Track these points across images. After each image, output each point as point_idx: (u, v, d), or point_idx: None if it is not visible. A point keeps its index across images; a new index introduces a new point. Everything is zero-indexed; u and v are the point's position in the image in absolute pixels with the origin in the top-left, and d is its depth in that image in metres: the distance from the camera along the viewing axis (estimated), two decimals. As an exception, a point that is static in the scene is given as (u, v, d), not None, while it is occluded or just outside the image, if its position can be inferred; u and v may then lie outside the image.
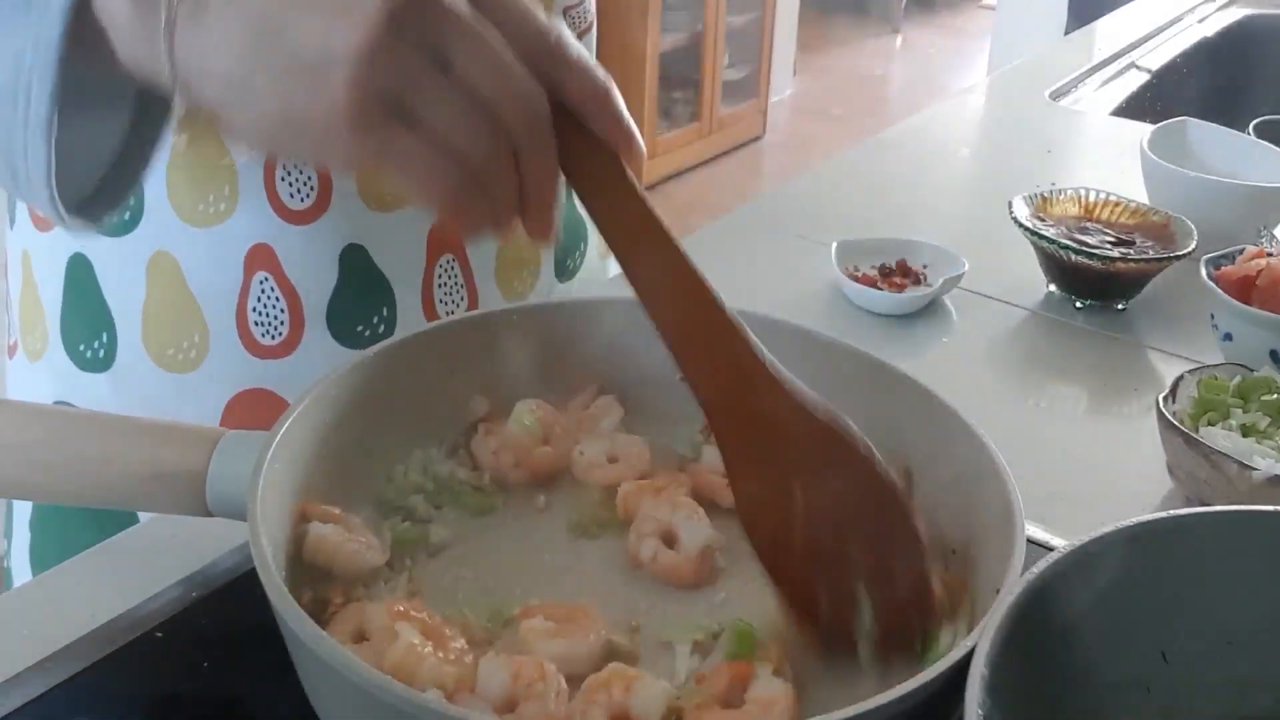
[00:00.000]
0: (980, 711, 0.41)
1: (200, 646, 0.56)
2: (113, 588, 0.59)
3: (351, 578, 0.55)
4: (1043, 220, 0.96)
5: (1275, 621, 0.50)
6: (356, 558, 0.55)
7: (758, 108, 4.46)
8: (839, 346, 0.65)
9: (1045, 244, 0.93)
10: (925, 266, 0.97)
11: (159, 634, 0.57)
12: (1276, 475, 0.63)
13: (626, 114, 0.49)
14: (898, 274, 0.96)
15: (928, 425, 0.61)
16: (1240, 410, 0.70)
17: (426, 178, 0.46)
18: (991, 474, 0.56)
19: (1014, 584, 0.47)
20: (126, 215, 0.75)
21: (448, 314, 0.81)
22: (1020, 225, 0.95)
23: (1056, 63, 1.63)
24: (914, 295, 0.93)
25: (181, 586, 0.59)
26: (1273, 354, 0.79)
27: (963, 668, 0.43)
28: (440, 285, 0.81)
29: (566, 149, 0.49)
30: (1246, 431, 0.68)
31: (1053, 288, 0.97)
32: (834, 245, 0.96)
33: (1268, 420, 0.69)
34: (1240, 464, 0.64)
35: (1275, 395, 0.70)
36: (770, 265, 1.02)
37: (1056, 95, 1.50)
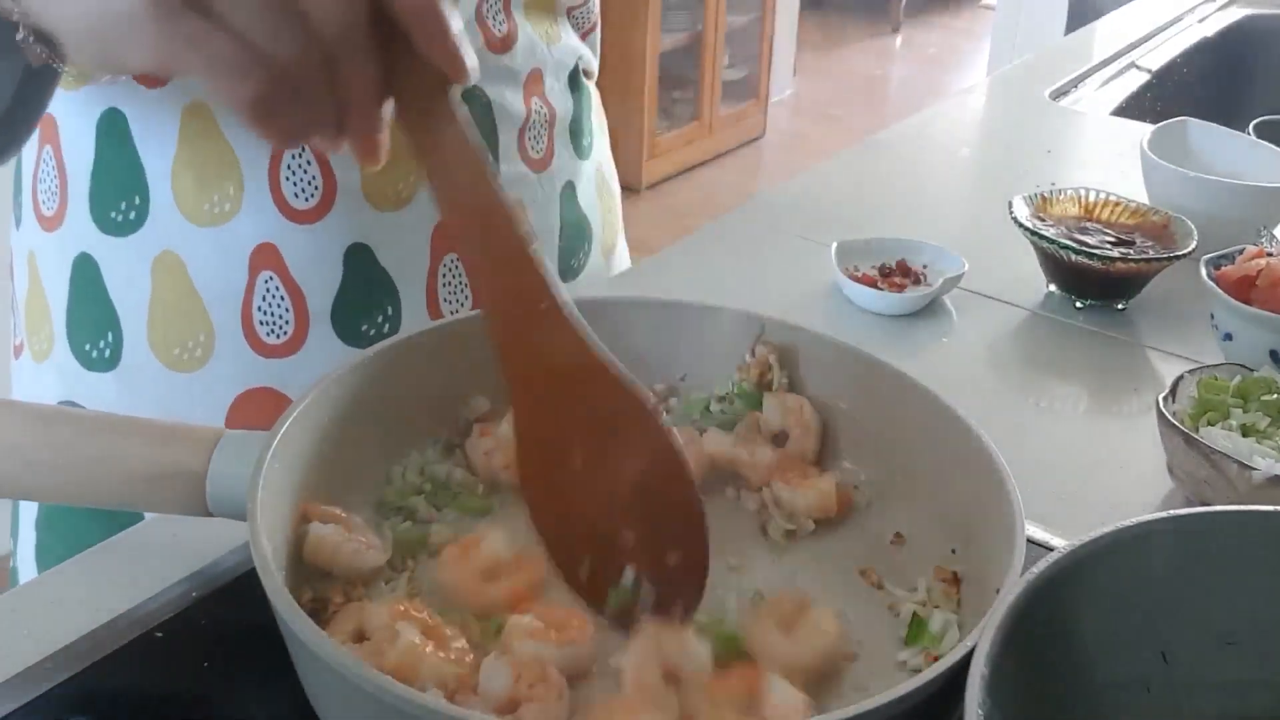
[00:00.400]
0: (980, 711, 0.41)
1: (200, 646, 0.56)
2: (113, 587, 0.59)
3: (352, 578, 0.55)
4: (1043, 220, 0.96)
5: (1275, 621, 0.50)
6: (357, 558, 0.55)
7: (758, 108, 4.46)
8: (839, 346, 0.65)
9: (1045, 244, 0.93)
10: (925, 266, 0.97)
11: (159, 634, 0.57)
12: (1276, 475, 0.63)
13: (453, 32, 0.47)
14: (898, 274, 0.96)
15: (928, 425, 0.61)
16: (1240, 410, 0.70)
17: (228, 78, 0.45)
18: (991, 474, 0.56)
19: (1014, 584, 0.47)
20: (132, 215, 0.75)
21: (452, 313, 0.81)
22: (1020, 225, 0.95)
23: (1056, 63, 1.63)
24: (914, 295, 0.93)
25: (181, 586, 0.59)
26: (1273, 354, 0.79)
27: (963, 668, 0.44)
28: (445, 284, 0.81)
29: (389, 67, 0.47)
30: (1246, 431, 0.68)
31: (1053, 288, 0.97)
32: (834, 246, 0.96)
33: (1268, 420, 0.69)
34: (1240, 464, 0.64)
35: (1275, 395, 0.70)
36: (770, 265, 1.02)
37: (1056, 95, 1.50)
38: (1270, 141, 1.12)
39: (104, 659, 0.55)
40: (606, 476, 0.53)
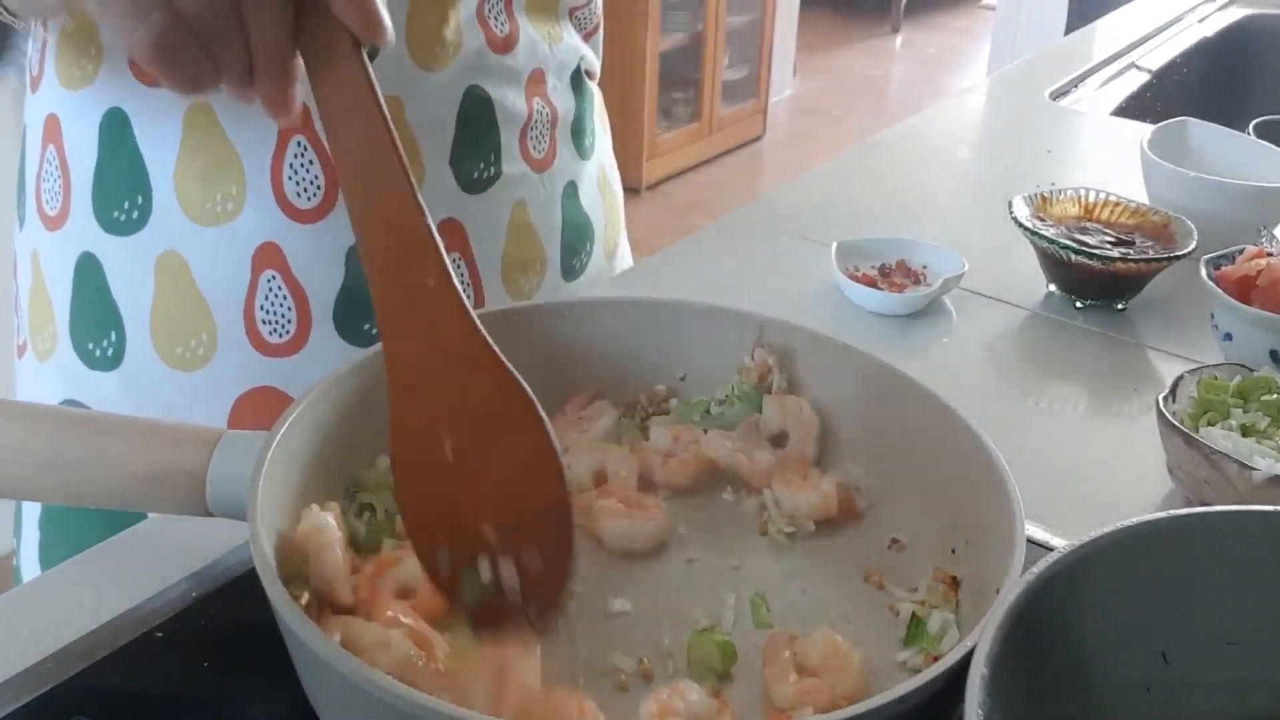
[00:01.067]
0: (980, 711, 0.41)
1: (200, 646, 0.56)
2: (113, 588, 0.59)
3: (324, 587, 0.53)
4: (1043, 220, 0.96)
5: (1275, 621, 0.50)
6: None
7: (758, 108, 4.46)
8: (839, 346, 0.65)
9: (1045, 244, 0.93)
10: (925, 266, 0.97)
11: (159, 634, 0.57)
12: (1276, 475, 0.63)
13: None
14: (897, 274, 0.96)
15: (928, 425, 0.61)
16: (1240, 410, 0.70)
17: (126, 18, 0.44)
18: (991, 474, 0.56)
19: (1014, 584, 0.47)
20: (135, 214, 0.75)
21: None
22: (1020, 225, 0.95)
23: (1056, 63, 1.63)
24: (914, 295, 0.93)
25: (181, 586, 0.59)
26: (1273, 354, 0.79)
27: (963, 667, 0.43)
28: None
29: (300, 22, 0.47)
30: (1246, 431, 0.68)
31: (1053, 288, 0.97)
32: (834, 246, 0.96)
33: (1268, 420, 0.69)
34: (1240, 464, 0.64)
35: (1275, 395, 0.70)
36: (770, 265, 1.02)
37: (1056, 95, 1.50)
38: (1270, 141, 1.12)
39: (104, 659, 0.55)
40: (476, 467, 0.52)
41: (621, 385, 0.68)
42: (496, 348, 0.52)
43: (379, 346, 0.61)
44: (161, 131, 0.74)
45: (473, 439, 0.52)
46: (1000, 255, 1.01)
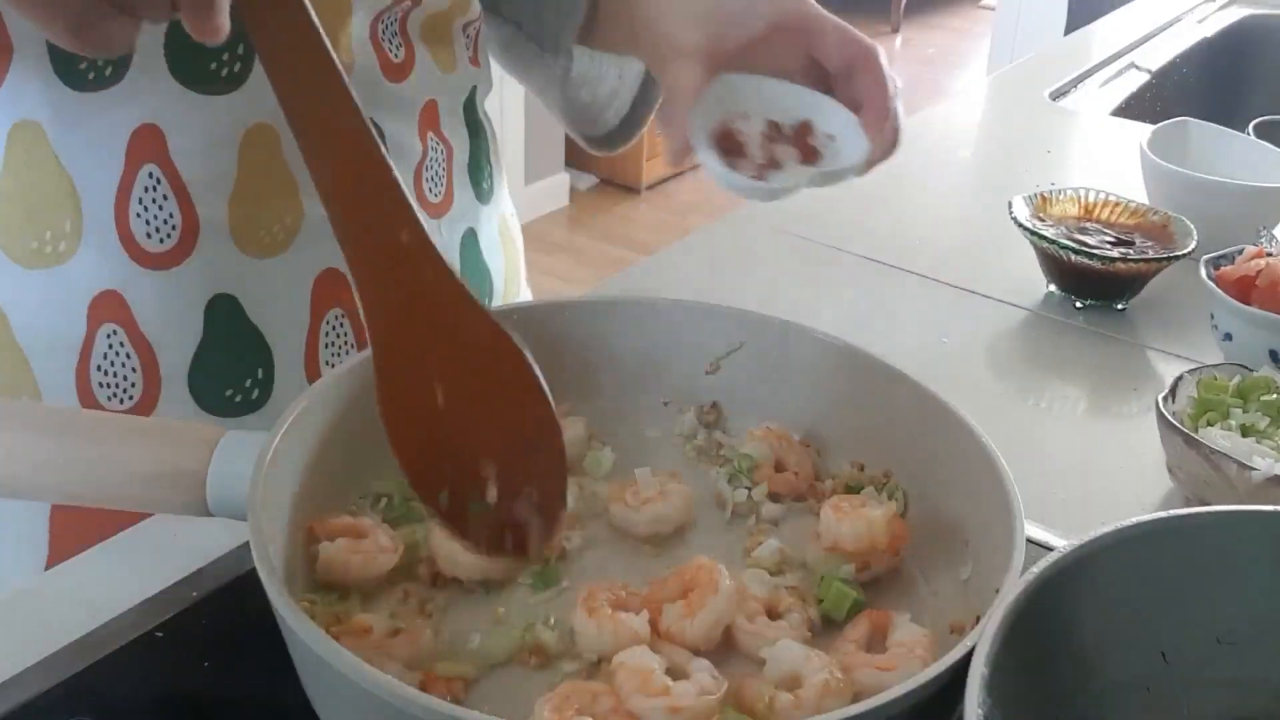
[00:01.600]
0: (980, 711, 0.41)
1: (200, 646, 0.56)
2: (113, 588, 0.59)
3: (369, 586, 0.55)
4: (1043, 220, 0.96)
5: (1275, 621, 0.50)
6: (368, 567, 0.55)
7: (758, 108, 4.46)
8: (839, 346, 0.65)
9: (1045, 244, 0.93)
10: (831, 138, 0.68)
11: (159, 634, 0.57)
12: (1276, 475, 0.63)
13: None
14: (788, 140, 0.68)
15: (928, 425, 0.61)
16: (1240, 410, 0.70)
17: (43, 5, 0.42)
18: (991, 474, 0.56)
19: (1014, 584, 0.47)
20: None
21: None
22: (1020, 225, 0.95)
23: (1056, 63, 1.63)
24: (775, 184, 0.65)
25: (181, 586, 0.59)
26: (1272, 354, 0.79)
27: (963, 667, 0.44)
28: (327, 344, 0.72)
29: None
30: (1246, 431, 0.68)
31: (1053, 288, 0.97)
32: (718, 80, 0.67)
33: (1267, 420, 0.69)
34: (1240, 464, 0.64)
35: (1275, 395, 0.70)
36: (770, 265, 1.02)
37: (1056, 95, 1.50)
38: (1270, 141, 1.12)
39: (104, 659, 0.55)
40: (468, 410, 0.52)
41: (622, 384, 0.68)
42: (475, 294, 0.51)
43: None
44: None
45: (461, 384, 0.52)
46: (1000, 255, 1.01)
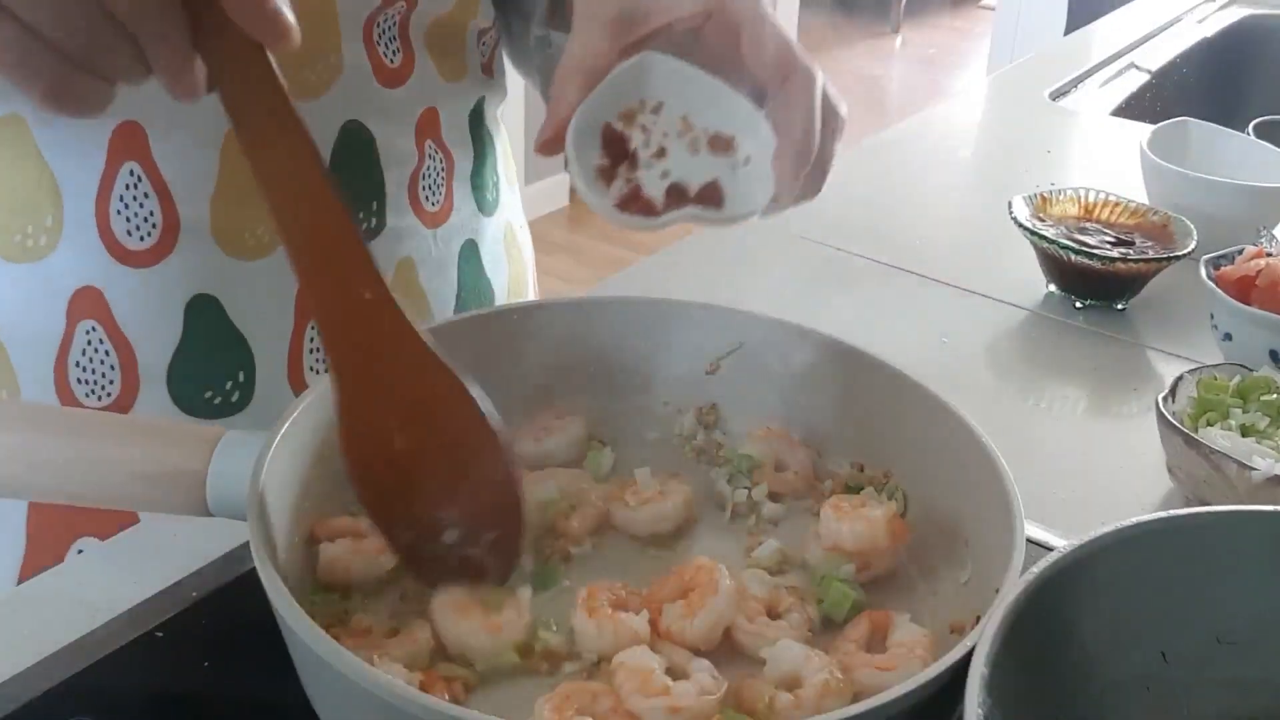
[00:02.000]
0: (980, 711, 0.41)
1: (200, 646, 0.56)
2: (113, 588, 0.59)
3: (373, 585, 0.55)
4: (1043, 220, 0.96)
5: (1275, 621, 0.50)
6: (371, 567, 0.55)
7: (758, 108, 4.46)
8: (840, 346, 0.65)
9: (1045, 244, 0.93)
10: (747, 162, 0.59)
11: (159, 634, 0.57)
12: (1276, 475, 0.63)
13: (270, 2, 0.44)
14: (690, 148, 0.59)
15: (928, 425, 0.60)
16: (1240, 410, 0.70)
17: (19, 68, 0.42)
18: (991, 474, 0.55)
19: (1014, 584, 0.47)
20: None
21: None
22: (1020, 225, 0.95)
23: (1056, 63, 1.63)
24: (651, 219, 0.58)
25: (181, 586, 0.59)
26: (1272, 354, 0.79)
27: (963, 667, 0.43)
28: (312, 350, 0.71)
29: (200, 26, 0.44)
30: (1246, 431, 0.68)
31: (1053, 288, 0.97)
32: (638, 58, 0.59)
33: (1267, 420, 0.69)
34: (1240, 464, 0.64)
35: (1275, 395, 0.70)
36: (770, 265, 1.02)
37: (1056, 95, 1.50)
38: (1270, 141, 1.12)
39: (104, 659, 0.55)
40: (425, 457, 0.53)
41: (621, 383, 0.68)
42: (435, 348, 0.52)
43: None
44: None
45: (419, 432, 0.53)
46: (1000, 255, 1.01)
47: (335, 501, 0.58)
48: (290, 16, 0.44)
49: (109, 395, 0.67)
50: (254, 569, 0.48)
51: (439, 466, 0.53)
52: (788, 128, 0.57)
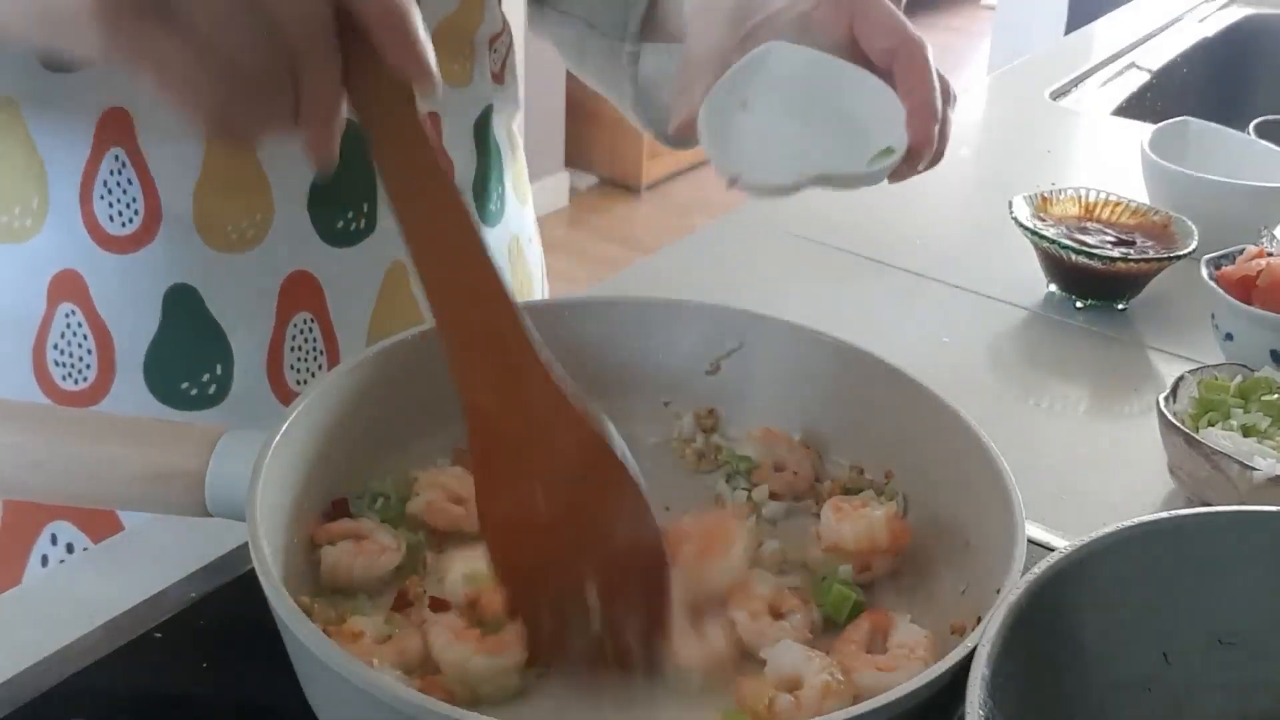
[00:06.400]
0: (981, 711, 0.41)
1: (200, 646, 0.56)
2: (113, 588, 0.59)
3: (376, 586, 0.55)
4: (1043, 220, 0.96)
5: (1275, 621, 0.50)
6: (373, 565, 0.55)
7: (758, 108, 4.46)
8: (840, 346, 0.65)
9: (1045, 244, 0.93)
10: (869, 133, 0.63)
11: (159, 634, 0.57)
12: (1277, 475, 0.63)
13: (421, 39, 0.45)
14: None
15: (928, 425, 0.60)
16: (1241, 410, 0.70)
17: (185, 87, 0.42)
18: (991, 474, 0.55)
19: (1014, 584, 0.47)
20: None
21: (300, 383, 0.70)
22: (1020, 225, 0.95)
23: (1056, 63, 1.63)
24: (787, 182, 0.60)
25: (181, 586, 0.59)
26: (1273, 354, 0.79)
27: (963, 668, 0.43)
28: (293, 348, 0.70)
29: (351, 69, 0.45)
30: (1247, 432, 0.68)
31: (1053, 288, 0.97)
32: (764, 48, 0.62)
33: (1268, 420, 0.69)
34: (1241, 464, 0.64)
35: (1276, 395, 0.70)
36: (770, 265, 1.02)
37: (1056, 95, 1.50)
38: (1270, 141, 1.12)
39: (104, 659, 0.55)
40: (569, 521, 0.51)
41: (619, 383, 0.68)
42: (574, 392, 0.50)
43: (379, 347, 0.62)
44: None
45: (564, 497, 0.51)
46: (1000, 255, 1.01)
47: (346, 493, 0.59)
48: (434, 65, 0.45)
49: (85, 380, 0.67)
50: (253, 569, 0.47)
51: (582, 528, 0.51)
52: (913, 95, 0.60)
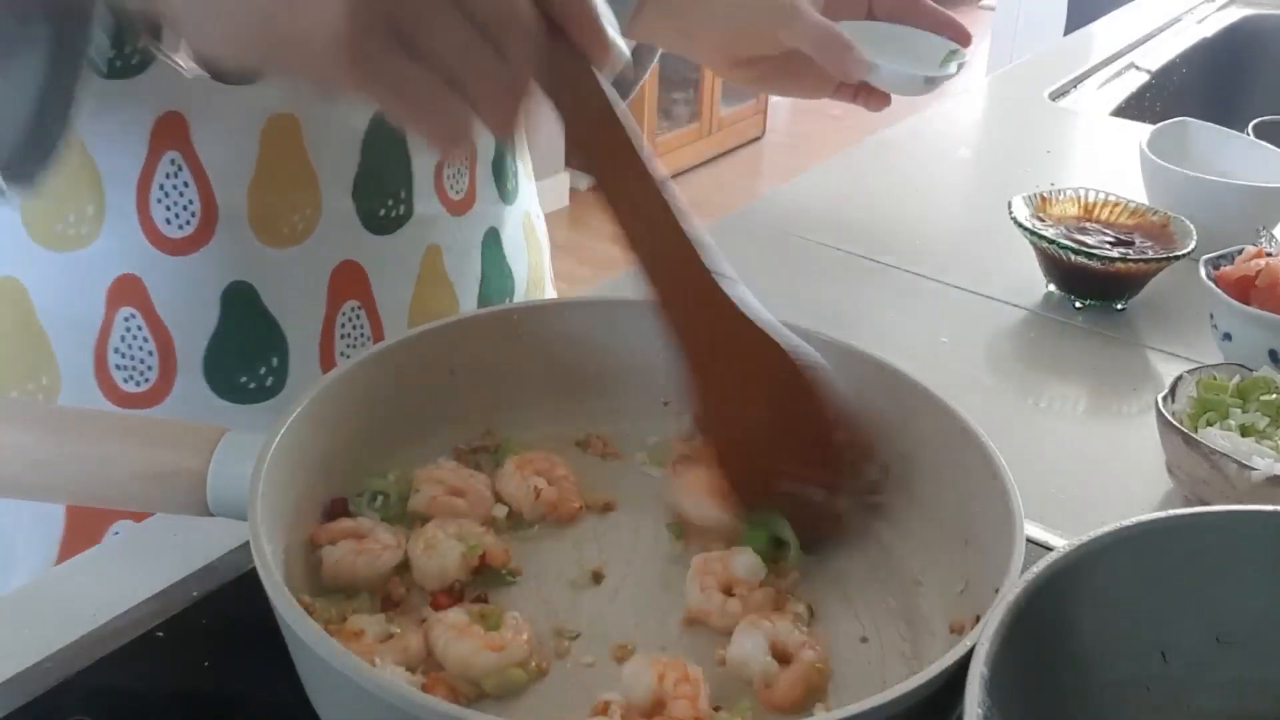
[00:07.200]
0: (980, 711, 0.41)
1: (200, 646, 0.56)
2: (113, 588, 0.59)
3: (377, 583, 0.55)
4: (1042, 220, 0.96)
5: (1275, 621, 0.50)
6: (375, 564, 0.55)
7: (757, 108, 4.46)
8: (840, 346, 0.65)
9: (1045, 244, 0.93)
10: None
11: (159, 634, 0.57)
12: (1275, 475, 0.63)
13: (599, 18, 0.49)
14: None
15: (928, 425, 0.61)
16: (1239, 410, 0.70)
17: (424, 111, 0.45)
18: (991, 474, 0.56)
19: (1014, 584, 0.47)
20: None
21: None
22: (1020, 225, 0.95)
23: (1056, 63, 1.63)
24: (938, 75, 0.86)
25: (181, 586, 0.59)
26: (1272, 354, 0.79)
27: (963, 667, 0.44)
28: (343, 336, 0.73)
29: (543, 54, 0.48)
30: (1245, 431, 0.68)
31: (1052, 288, 0.97)
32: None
33: (1267, 420, 0.69)
34: (1239, 464, 0.64)
35: (1274, 395, 0.70)
36: (770, 265, 1.02)
37: (1056, 95, 1.50)
38: (1270, 141, 1.12)
39: (104, 659, 0.55)
40: (770, 420, 0.58)
41: (619, 383, 0.68)
42: (770, 322, 0.57)
43: (379, 348, 0.62)
44: None
45: (767, 404, 0.58)
46: (1000, 255, 1.01)
47: (334, 500, 0.58)
48: (619, 40, 0.51)
49: (147, 380, 0.68)
50: (254, 569, 0.48)
51: (778, 425, 0.58)
52: (932, 14, 0.87)
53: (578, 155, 0.52)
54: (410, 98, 0.44)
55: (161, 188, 0.65)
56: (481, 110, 0.46)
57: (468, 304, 0.79)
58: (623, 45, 0.51)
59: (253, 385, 0.70)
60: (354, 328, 0.73)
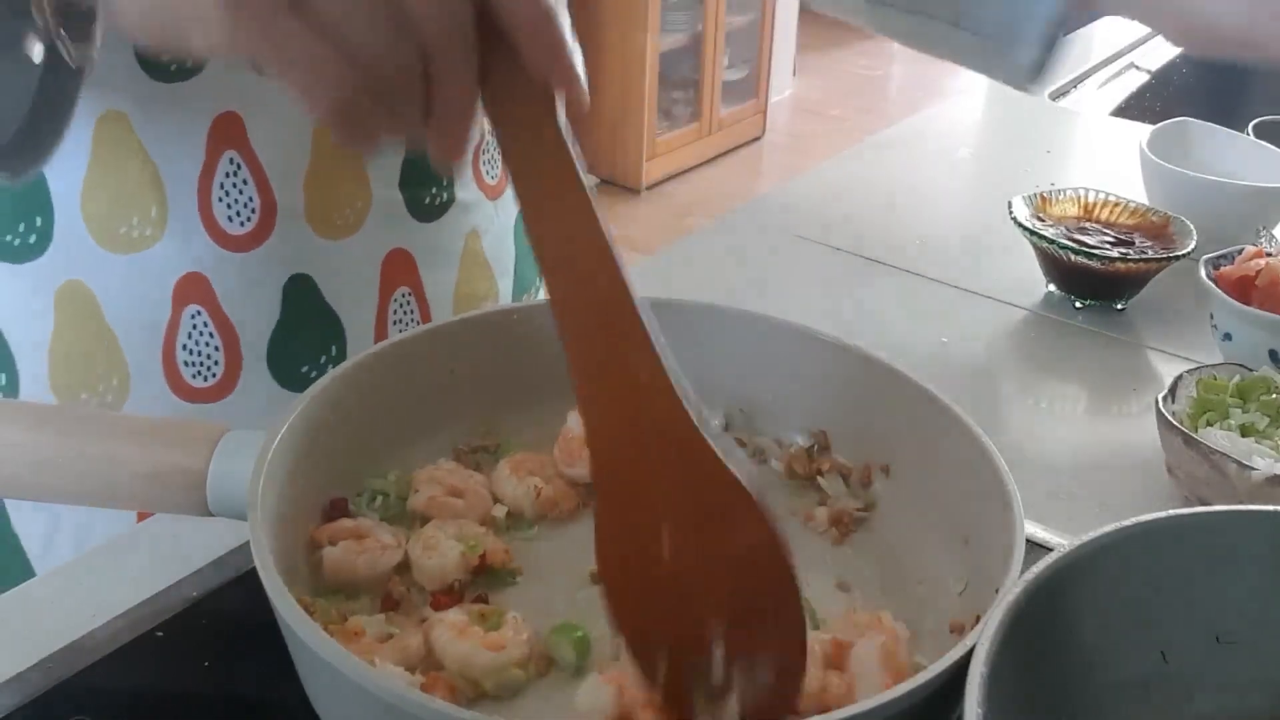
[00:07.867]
0: (980, 711, 0.41)
1: (200, 646, 0.56)
2: (113, 588, 0.59)
3: (379, 583, 0.55)
4: (1042, 220, 0.96)
5: (1275, 621, 0.50)
6: (375, 564, 0.55)
7: (757, 108, 4.46)
8: (839, 346, 0.65)
9: (1045, 244, 0.93)
10: None
11: (159, 634, 0.57)
12: (1275, 475, 0.63)
13: (567, 45, 0.42)
14: None
15: (928, 425, 0.61)
16: (1239, 410, 0.70)
17: (311, 78, 0.40)
18: (990, 473, 0.56)
19: (1014, 584, 0.47)
20: (33, 239, 0.66)
21: None
22: (1020, 225, 0.95)
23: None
24: None
25: (181, 586, 0.59)
26: (1271, 354, 0.79)
27: (963, 667, 0.44)
28: (395, 321, 0.75)
29: (489, 73, 0.42)
30: (1245, 431, 0.68)
31: (1052, 288, 0.97)
32: None
33: (1266, 420, 0.69)
34: (1239, 464, 0.64)
35: (1274, 395, 0.71)
36: (770, 265, 1.02)
37: (1056, 95, 1.50)
38: (1270, 141, 1.12)
39: (104, 659, 0.55)
40: (694, 560, 0.47)
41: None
42: (713, 442, 0.46)
43: (379, 347, 0.62)
44: (67, 143, 0.59)
45: (688, 530, 0.47)
46: (1000, 255, 1.01)
47: (334, 499, 0.58)
48: (579, 65, 0.42)
49: (214, 375, 0.70)
50: (254, 569, 0.47)
51: (708, 570, 0.47)
52: None
53: (525, 215, 0.45)
54: (303, 70, 0.40)
55: (221, 186, 0.66)
56: (398, 128, 0.42)
57: (504, 285, 0.81)
58: (581, 70, 0.42)
59: (314, 375, 0.72)
60: (405, 313, 0.75)
